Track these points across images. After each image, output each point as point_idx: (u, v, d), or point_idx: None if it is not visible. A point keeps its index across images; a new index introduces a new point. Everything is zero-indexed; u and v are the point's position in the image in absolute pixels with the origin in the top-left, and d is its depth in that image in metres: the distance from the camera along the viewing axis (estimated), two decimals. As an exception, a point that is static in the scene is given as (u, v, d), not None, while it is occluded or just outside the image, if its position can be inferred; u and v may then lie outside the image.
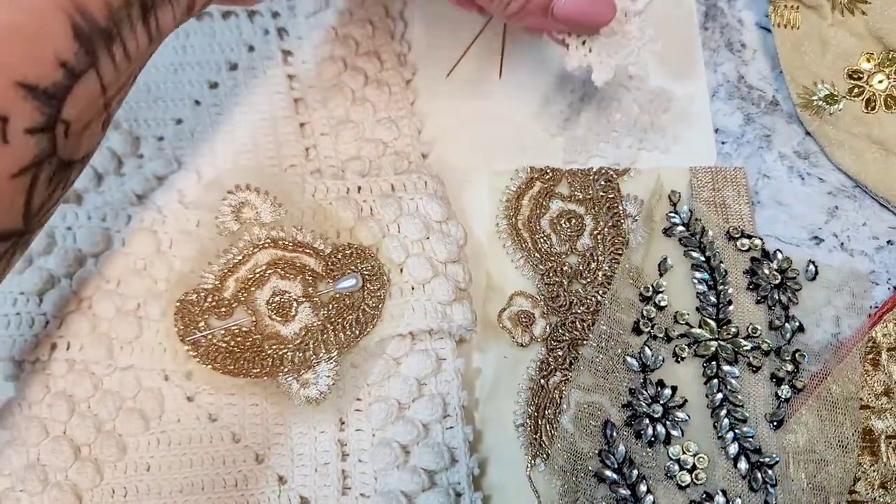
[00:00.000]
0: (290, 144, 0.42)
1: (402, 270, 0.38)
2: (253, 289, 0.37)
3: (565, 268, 0.41)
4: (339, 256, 0.37)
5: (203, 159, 0.42)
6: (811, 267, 0.41)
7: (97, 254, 0.39)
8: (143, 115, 0.43)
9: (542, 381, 0.39)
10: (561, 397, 0.39)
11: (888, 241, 0.43)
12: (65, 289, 0.38)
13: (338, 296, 0.37)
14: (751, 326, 0.40)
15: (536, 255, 0.41)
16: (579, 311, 0.40)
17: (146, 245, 0.38)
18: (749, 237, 0.42)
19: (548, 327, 0.40)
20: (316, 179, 0.40)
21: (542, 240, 0.42)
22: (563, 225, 0.42)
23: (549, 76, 0.45)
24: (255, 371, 0.36)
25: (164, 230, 0.39)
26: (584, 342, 0.40)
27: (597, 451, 0.38)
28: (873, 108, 0.43)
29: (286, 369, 0.36)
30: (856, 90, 0.43)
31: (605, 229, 0.42)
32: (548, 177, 0.43)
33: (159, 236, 0.39)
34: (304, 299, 0.37)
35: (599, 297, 0.40)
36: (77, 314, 0.38)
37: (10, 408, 0.37)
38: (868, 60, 0.43)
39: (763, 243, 0.42)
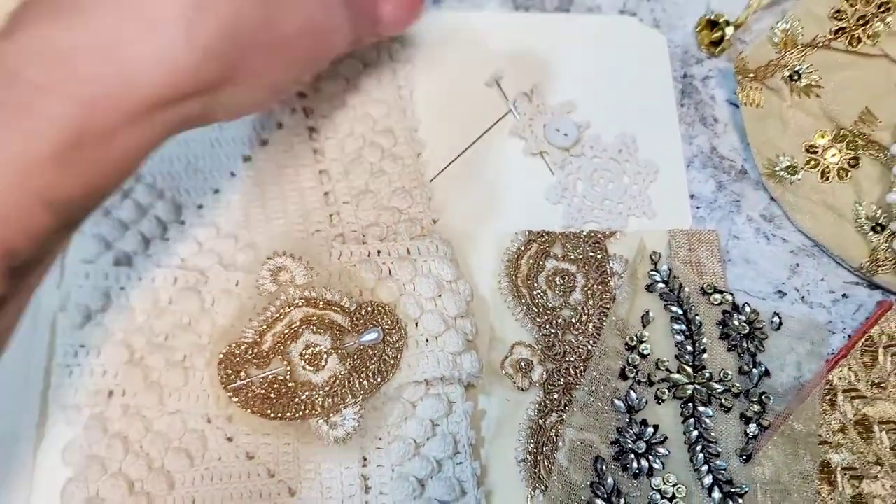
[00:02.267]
0: (316, 211, 0.47)
1: (417, 325, 0.43)
2: (288, 342, 0.42)
3: (559, 320, 0.47)
4: (363, 313, 0.43)
5: (239, 225, 0.47)
6: (776, 318, 0.47)
7: (147, 311, 0.44)
8: (185, 185, 0.48)
9: (541, 421, 0.45)
10: (557, 436, 0.44)
11: (843, 295, 0.49)
12: (120, 343, 0.43)
13: (361, 348, 0.42)
14: (723, 371, 0.45)
15: (534, 309, 0.47)
16: (572, 359, 0.46)
17: (191, 303, 0.43)
18: (721, 292, 0.47)
19: (545, 373, 0.45)
20: (340, 244, 0.45)
21: (539, 295, 0.47)
22: (558, 282, 0.48)
23: (550, 152, 0.51)
24: (289, 414, 0.41)
25: (208, 290, 0.44)
26: (577, 386, 0.45)
27: (589, 483, 0.43)
28: (827, 179, 0.49)
29: (317, 413, 0.41)
30: (812, 162, 0.49)
31: (595, 286, 0.47)
32: (544, 239, 0.48)
33: (203, 295, 0.44)
34: (332, 351, 0.42)
35: (590, 347, 0.46)
36: (131, 365, 0.42)
37: (73, 448, 0.42)
38: (822, 137, 0.49)
39: (733, 298, 0.47)
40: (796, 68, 0.48)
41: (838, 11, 0.47)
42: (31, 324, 0.44)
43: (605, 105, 0.52)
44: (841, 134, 0.49)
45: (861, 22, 0.46)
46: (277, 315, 0.42)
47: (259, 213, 0.47)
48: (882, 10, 0.46)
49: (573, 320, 0.47)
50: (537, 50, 0.54)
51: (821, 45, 0.47)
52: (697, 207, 0.50)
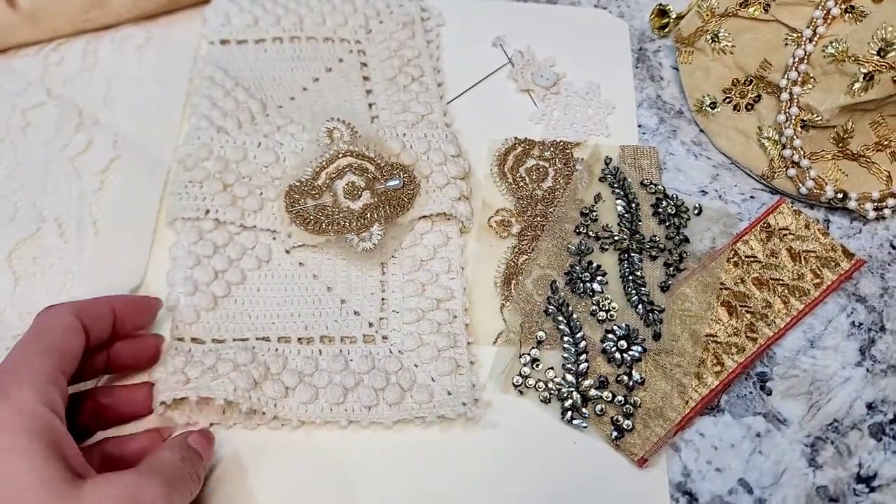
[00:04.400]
0: (362, 115, 0.66)
1: (427, 180, 0.60)
2: (335, 180, 0.59)
3: (533, 195, 0.63)
4: (390, 167, 0.60)
5: (306, 119, 0.65)
6: (698, 205, 0.63)
7: (238, 161, 0.61)
8: (270, 92, 0.66)
9: (515, 259, 0.60)
10: (525, 270, 0.60)
11: (751, 196, 0.65)
12: (217, 179, 0.60)
13: (387, 190, 0.59)
14: (653, 235, 0.61)
15: (515, 187, 0.64)
16: (540, 220, 0.62)
17: (269, 157, 0.61)
18: (655, 185, 0.64)
19: (520, 228, 0.62)
20: (378, 129, 0.63)
21: (520, 180, 0.64)
22: (533, 173, 0.64)
23: (535, 90, 0.69)
24: (332, 230, 0.58)
25: (281, 151, 0.62)
26: (542, 237, 0.61)
27: (546, 298, 0.58)
28: (738, 110, 0.66)
29: (352, 229, 0.58)
30: (727, 100, 0.66)
31: (560, 178, 0.64)
32: (526, 143, 0.66)
33: (277, 153, 0.61)
34: (366, 189, 0.59)
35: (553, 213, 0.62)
36: (223, 193, 0.59)
37: (177, 246, 0.58)
38: (734, 82, 0.67)
39: (665, 189, 0.63)
40: (716, 33, 0.66)
41: (742, -10, 0.65)
42: (151, 174, 0.62)
43: (579, 66, 0.71)
44: (747, 80, 0.66)
45: (758, -4, 0.64)
46: (329, 160, 0.59)
47: (322, 114, 0.65)
48: (772, -13, 0.64)
49: (542, 197, 0.63)
50: (532, 28, 0.73)
51: (731, 14, 0.65)
52: (644, 134, 0.67)
